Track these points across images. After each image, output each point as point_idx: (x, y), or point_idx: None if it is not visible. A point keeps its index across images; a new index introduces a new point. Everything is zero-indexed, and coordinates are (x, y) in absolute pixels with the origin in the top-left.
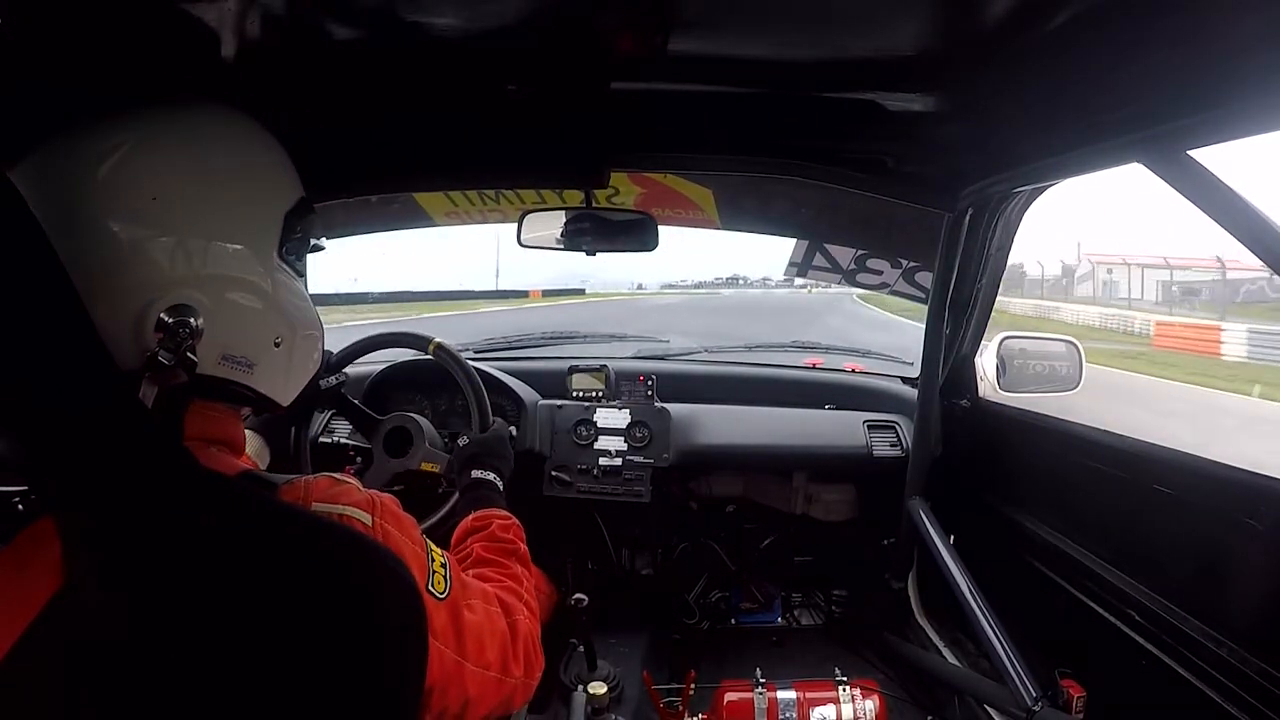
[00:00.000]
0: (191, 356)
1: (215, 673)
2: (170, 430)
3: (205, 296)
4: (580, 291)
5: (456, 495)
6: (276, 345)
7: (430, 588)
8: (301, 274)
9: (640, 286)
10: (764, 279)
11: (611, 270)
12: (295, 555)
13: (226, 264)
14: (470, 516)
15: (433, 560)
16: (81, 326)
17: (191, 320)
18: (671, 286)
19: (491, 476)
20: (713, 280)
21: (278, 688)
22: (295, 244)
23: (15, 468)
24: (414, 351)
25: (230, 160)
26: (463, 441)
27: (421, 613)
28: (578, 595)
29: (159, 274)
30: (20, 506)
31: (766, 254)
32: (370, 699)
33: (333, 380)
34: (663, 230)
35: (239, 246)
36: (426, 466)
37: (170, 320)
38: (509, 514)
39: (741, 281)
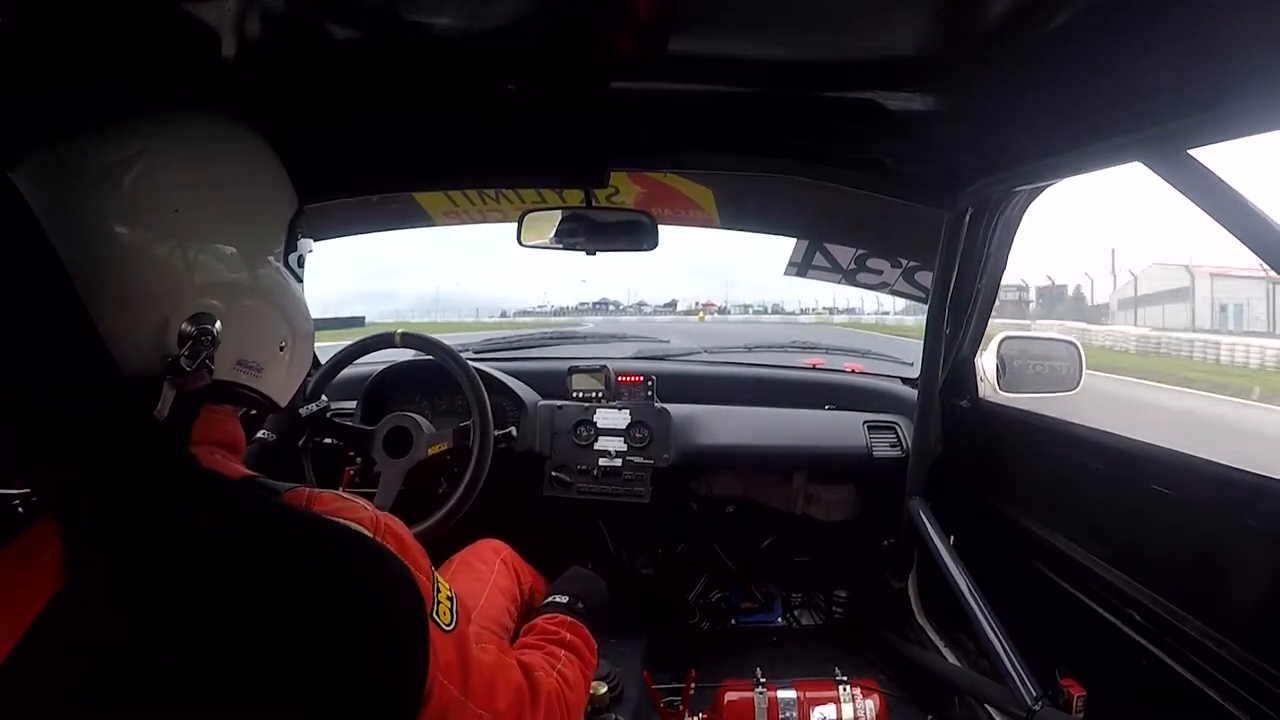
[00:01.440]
0: (209, 364)
1: (214, 673)
2: (178, 434)
3: (222, 304)
4: (359, 322)
5: (458, 495)
6: (281, 349)
7: (435, 617)
8: (301, 279)
9: (504, 314)
10: (639, 304)
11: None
12: (297, 556)
13: (241, 272)
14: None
15: (438, 591)
16: (82, 328)
17: (211, 329)
18: (527, 313)
19: (566, 599)
20: (576, 306)
21: (278, 688)
22: (295, 249)
23: (16, 469)
24: (412, 352)
25: (244, 169)
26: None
27: (423, 615)
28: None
29: (179, 284)
30: (20, 509)
31: (642, 276)
32: (370, 700)
33: (313, 407)
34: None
35: (253, 255)
36: (434, 449)
37: (192, 330)
38: (561, 616)
39: (612, 307)
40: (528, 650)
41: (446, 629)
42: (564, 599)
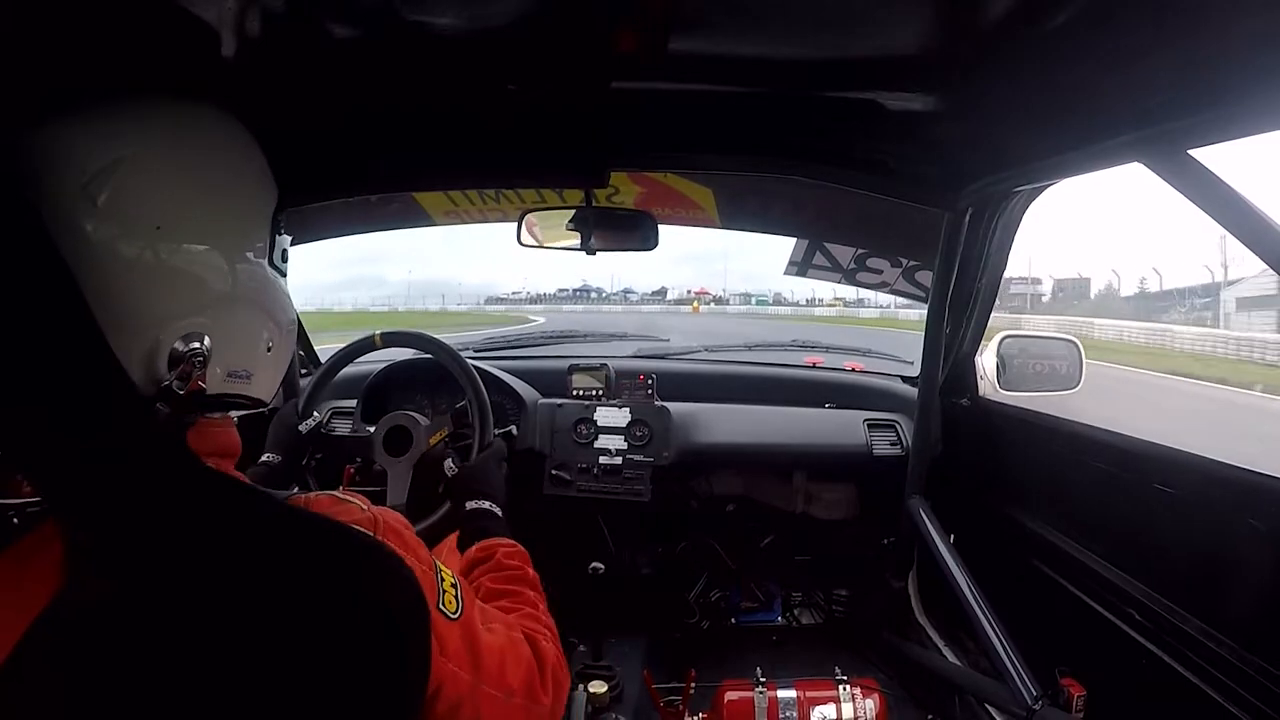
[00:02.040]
0: (202, 384)
1: (215, 674)
2: (177, 445)
3: (210, 319)
4: None
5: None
6: (268, 350)
7: (441, 607)
8: (284, 273)
9: (487, 300)
10: (624, 291)
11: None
12: (300, 558)
13: (228, 281)
14: (473, 548)
15: (442, 580)
16: (87, 333)
17: (201, 346)
18: (500, 301)
19: (486, 505)
20: (556, 292)
21: (280, 689)
22: (279, 244)
23: (19, 472)
24: (413, 351)
25: (226, 166)
26: (450, 470)
27: (426, 615)
28: (594, 564)
29: (165, 304)
30: (15, 520)
31: (628, 262)
32: (372, 702)
33: (310, 423)
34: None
35: (237, 259)
36: (435, 438)
37: (183, 350)
38: (511, 541)
39: (594, 294)
40: (513, 610)
41: (453, 617)
42: (489, 505)
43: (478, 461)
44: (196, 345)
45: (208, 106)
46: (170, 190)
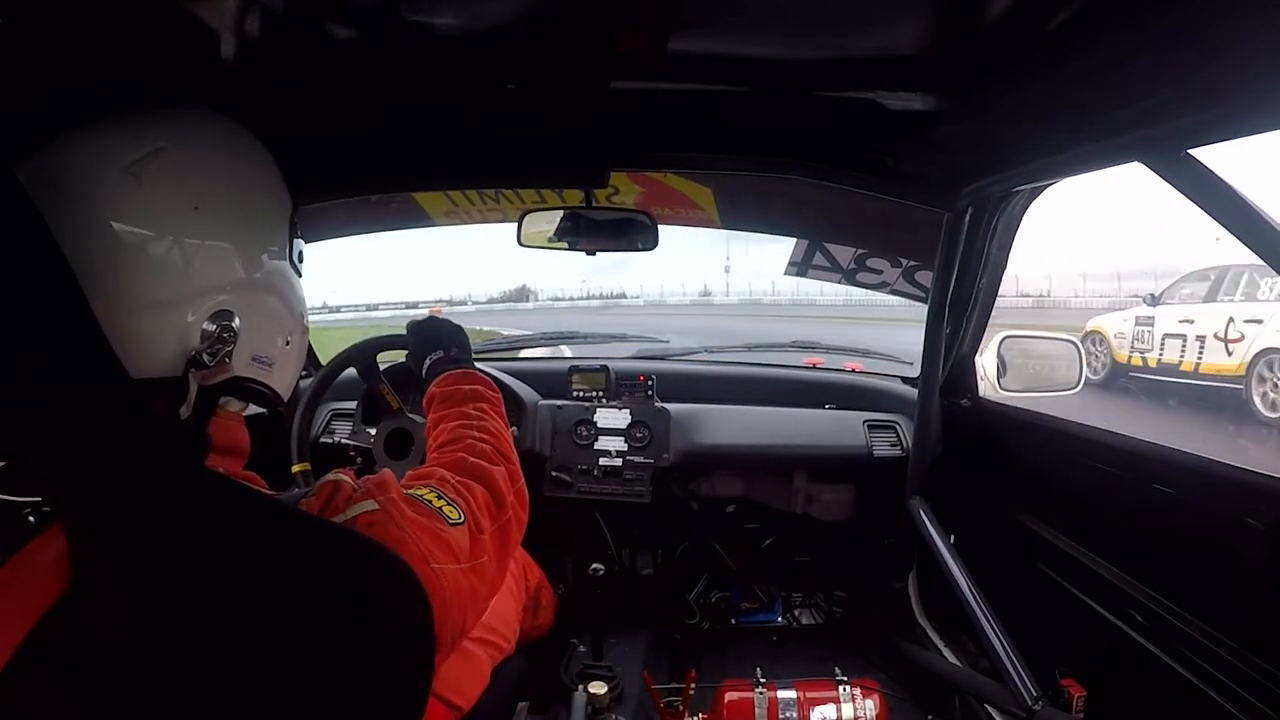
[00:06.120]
0: (228, 361)
1: (218, 677)
2: (197, 435)
3: (239, 300)
4: None
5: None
6: (287, 344)
7: (451, 523)
8: (300, 274)
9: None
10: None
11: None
12: (304, 560)
13: (255, 268)
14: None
15: (431, 503)
16: (87, 328)
17: (232, 325)
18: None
19: (440, 354)
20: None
21: (283, 691)
22: (296, 246)
23: (27, 474)
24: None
25: (249, 166)
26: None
27: (428, 614)
28: (595, 565)
29: (201, 282)
30: (31, 518)
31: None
32: (375, 703)
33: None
34: None
35: (263, 250)
36: (391, 402)
37: (214, 329)
38: (451, 372)
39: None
40: (449, 431)
41: (460, 522)
42: (438, 354)
43: (411, 327)
44: (227, 322)
45: (223, 113)
46: (205, 178)
